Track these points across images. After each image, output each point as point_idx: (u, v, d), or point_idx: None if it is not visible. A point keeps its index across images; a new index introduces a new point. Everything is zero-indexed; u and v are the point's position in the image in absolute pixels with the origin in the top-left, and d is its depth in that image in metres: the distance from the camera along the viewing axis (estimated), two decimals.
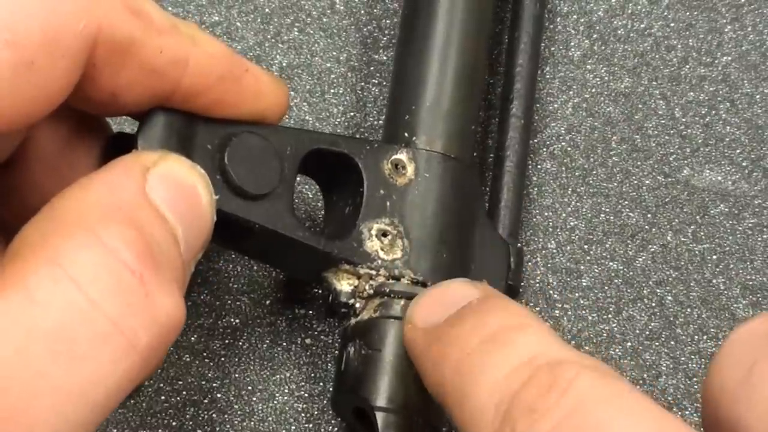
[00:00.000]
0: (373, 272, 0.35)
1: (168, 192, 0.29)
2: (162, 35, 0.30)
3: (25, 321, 0.25)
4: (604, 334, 0.40)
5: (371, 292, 0.35)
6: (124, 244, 0.27)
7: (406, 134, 0.37)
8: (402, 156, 0.37)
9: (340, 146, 0.36)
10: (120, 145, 0.32)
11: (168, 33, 0.30)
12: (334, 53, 0.43)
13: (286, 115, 0.38)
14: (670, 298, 0.41)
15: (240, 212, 0.33)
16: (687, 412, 0.39)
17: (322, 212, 0.38)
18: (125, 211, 0.28)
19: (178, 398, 0.38)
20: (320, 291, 0.40)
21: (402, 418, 0.34)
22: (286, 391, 0.39)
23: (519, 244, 0.39)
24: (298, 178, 0.36)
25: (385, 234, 0.36)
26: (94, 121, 0.33)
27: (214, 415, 0.38)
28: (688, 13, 0.45)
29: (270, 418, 0.38)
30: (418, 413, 0.33)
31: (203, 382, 0.38)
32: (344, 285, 0.35)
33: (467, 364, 0.30)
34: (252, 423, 0.38)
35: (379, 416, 0.34)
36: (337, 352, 0.38)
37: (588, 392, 0.28)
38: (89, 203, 0.27)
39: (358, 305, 0.35)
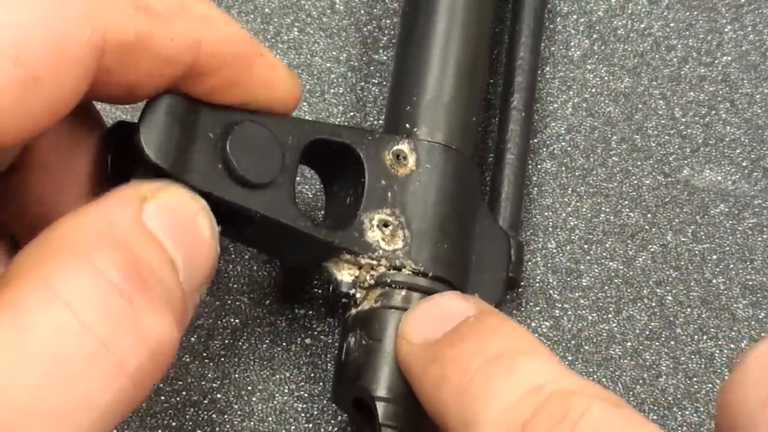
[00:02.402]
0: (374, 262, 0.35)
1: (166, 221, 0.29)
2: (171, 23, 0.30)
3: (18, 343, 0.25)
4: (604, 334, 0.40)
5: (372, 282, 0.35)
6: (113, 267, 0.27)
7: (407, 125, 0.37)
8: (403, 147, 0.37)
9: (342, 136, 0.36)
10: (120, 135, 0.32)
11: (176, 19, 0.30)
12: (334, 53, 0.43)
13: None
14: (670, 298, 0.41)
15: (241, 201, 0.33)
16: (687, 412, 0.39)
17: (323, 203, 0.38)
18: (118, 236, 0.28)
19: (178, 398, 0.38)
20: (320, 291, 0.40)
21: (402, 408, 0.34)
22: (286, 391, 0.39)
23: (520, 236, 0.39)
24: (300, 170, 0.35)
25: (386, 224, 0.36)
26: (89, 118, 0.33)
27: (213, 416, 0.38)
28: (688, 13, 0.45)
29: (270, 418, 0.38)
30: (418, 403, 0.33)
31: (203, 383, 0.38)
32: (345, 275, 0.35)
33: (471, 387, 0.30)
34: (252, 423, 0.38)
35: (380, 406, 0.34)
36: (337, 351, 0.38)
37: (601, 423, 0.28)
38: (83, 229, 0.28)
39: (358, 295, 0.35)
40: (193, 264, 0.29)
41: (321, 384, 0.39)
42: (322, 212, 0.39)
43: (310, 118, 0.42)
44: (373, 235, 0.35)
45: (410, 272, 0.35)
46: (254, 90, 0.33)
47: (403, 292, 0.35)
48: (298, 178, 0.41)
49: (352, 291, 0.35)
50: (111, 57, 0.29)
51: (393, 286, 0.35)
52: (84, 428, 0.26)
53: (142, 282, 0.27)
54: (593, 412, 0.28)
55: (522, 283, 0.41)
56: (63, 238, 0.27)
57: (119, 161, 0.31)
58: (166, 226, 0.29)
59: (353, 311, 0.35)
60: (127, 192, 0.29)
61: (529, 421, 0.28)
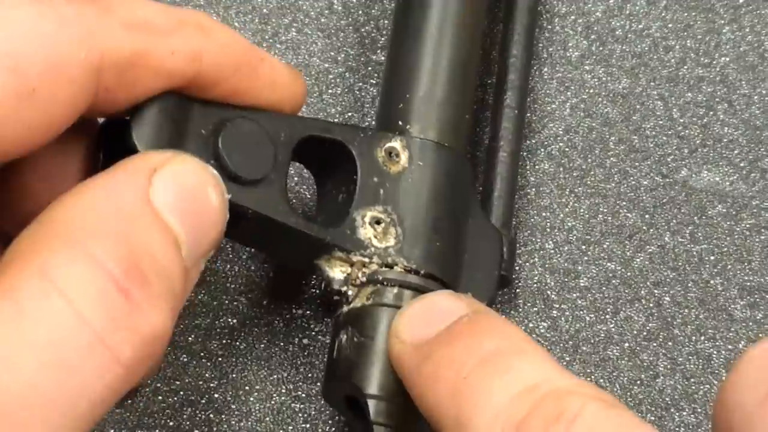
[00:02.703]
0: (366, 260, 0.35)
1: (174, 195, 0.29)
2: (169, 36, 0.30)
3: (15, 332, 0.25)
4: (602, 335, 0.40)
5: (364, 279, 0.35)
6: (112, 259, 0.27)
7: (400, 122, 0.37)
8: (396, 144, 0.37)
9: (334, 133, 0.36)
10: (113, 131, 0.32)
11: (175, 32, 0.30)
12: (332, 53, 0.43)
13: None
14: (667, 298, 0.41)
15: (233, 197, 0.32)
16: (684, 413, 0.39)
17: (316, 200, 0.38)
18: (120, 220, 0.27)
19: (176, 398, 0.38)
20: (317, 291, 0.40)
21: (393, 405, 0.34)
22: (284, 391, 0.39)
23: (512, 235, 0.39)
24: (292, 167, 0.35)
25: (378, 222, 0.36)
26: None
27: (211, 415, 0.38)
28: (686, 14, 0.45)
29: (267, 419, 0.38)
30: (410, 401, 0.33)
31: (200, 382, 0.38)
32: (337, 272, 0.35)
33: (465, 387, 0.30)
34: (249, 423, 0.38)
35: (371, 404, 0.34)
36: (328, 349, 0.38)
37: (596, 423, 0.28)
38: (84, 212, 0.27)
39: (350, 293, 0.35)
40: (199, 235, 0.29)
41: (318, 384, 0.39)
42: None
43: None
44: (365, 232, 0.35)
45: (402, 270, 0.35)
46: (261, 94, 0.33)
47: (395, 290, 0.35)
48: (295, 176, 0.41)
49: (344, 288, 0.35)
50: (109, 76, 0.29)
51: (385, 283, 0.35)
52: (78, 415, 0.26)
53: (141, 276, 0.27)
54: (588, 412, 0.28)
55: (519, 284, 0.41)
56: (63, 220, 0.27)
57: (112, 158, 0.31)
58: (173, 201, 0.29)
59: (345, 308, 0.35)
60: (136, 164, 0.29)
61: (523, 421, 0.28)
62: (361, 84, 0.43)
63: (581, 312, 0.41)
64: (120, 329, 0.26)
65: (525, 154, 0.42)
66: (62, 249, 0.27)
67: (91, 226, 0.27)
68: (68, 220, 0.27)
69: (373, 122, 0.42)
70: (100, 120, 0.33)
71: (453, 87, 0.38)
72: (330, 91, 0.43)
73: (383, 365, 0.34)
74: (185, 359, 0.39)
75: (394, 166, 0.36)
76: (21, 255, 0.27)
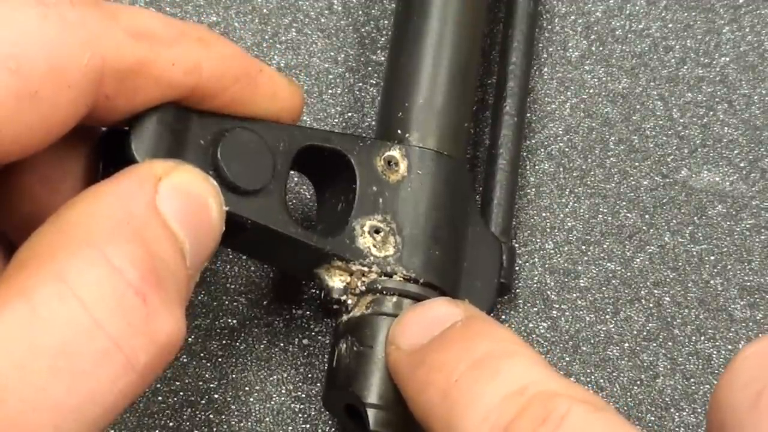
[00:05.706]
0: (366, 269, 0.35)
1: (178, 204, 0.29)
2: (170, 47, 0.30)
3: (28, 335, 0.25)
4: (602, 335, 0.40)
5: (363, 288, 0.35)
6: (129, 264, 0.27)
7: (399, 131, 0.37)
8: (395, 153, 0.37)
9: (333, 142, 0.36)
10: (112, 143, 0.32)
11: (176, 43, 0.31)
12: (332, 54, 0.43)
13: None
14: (667, 298, 0.41)
15: (232, 208, 0.32)
16: (684, 413, 0.40)
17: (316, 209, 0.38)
18: (134, 226, 0.28)
19: (176, 399, 0.38)
20: (317, 292, 0.40)
21: (393, 415, 0.34)
22: (284, 391, 0.39)
23: (511, 243, 0.39)
24: (293, 176, 0.35)
25: (377, 231, 0.36)
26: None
27: (211, 416, 0.38)
28: (686, 14, 0.45)
29: (267, 419, 0.38)
30: (408, 410, 0.33)
31: (200, 383, 0.38)
32: (336, 281, 0.35)
33: (455, 391, 0.30)
34: (249, 423, 0.38)
35: (371, 413, 0.34)
36: (328, 357, 0.38)
37: (582, 426, 0.28)
38: (98, 216, 0.28)
39: (350, 302, 0.35)
40: (200, 247, 0.29)
41: (318, 384, 0.39)
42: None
43: (308, 119, 0.42)
44: (365, 241, 0.35)
45: (401, 279, 0.35)
46: (260, 105, 0.34)
47: (395, 299, 0.35)
48: (293, 184, 0.41)
49: (344, 297, 0.35)
50: (110, 83, 0.29)
51: (384, 292, 0.35)
52: (90, 422, 0.26)
53: (158, 280, 0.27)
54: (574, 415, 0.28)
55: (519, 284, 0.41)
56: (77, 224, 0.27)
57: (111, 168, 0.31)
58: (178, 210, 0.29)
59: (344, 317, 0.35)
60: (141, 172, 0.29)
61: (511, 423, 0.29)
62: (361, 84, 0.43)
63: (581, 312, 0.41)
64: (136, 335, 0.27)
65: (525, 154, 0.42)
66: (79, 252, 0.27)
67: (105, 230, 0.27)
68: (82, 223, 0.27)
69: (373, 122, 0.42)
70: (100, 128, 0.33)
71: (452, 95, 0.38)
72: (330, 91, 0.43)
73: (383, 374, 0.34)
74: (185, 359, 0.39)
75: (393, 174, 0.36)
76: (35, 257, 0.27)
